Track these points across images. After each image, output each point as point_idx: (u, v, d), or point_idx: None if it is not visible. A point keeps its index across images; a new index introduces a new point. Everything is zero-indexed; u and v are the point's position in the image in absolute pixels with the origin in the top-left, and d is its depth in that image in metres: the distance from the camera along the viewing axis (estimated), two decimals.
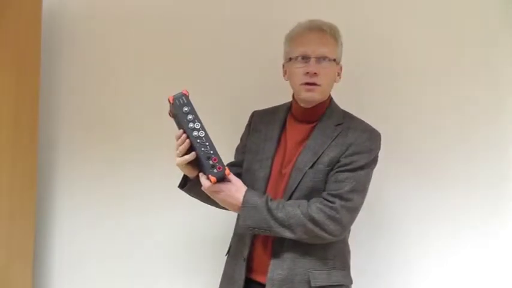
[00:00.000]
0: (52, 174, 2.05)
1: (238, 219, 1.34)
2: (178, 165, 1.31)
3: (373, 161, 1.36)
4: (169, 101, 1.24)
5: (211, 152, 1.24)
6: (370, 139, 1.35)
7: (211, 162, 1.24)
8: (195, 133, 1.23)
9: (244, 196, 1.29)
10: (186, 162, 1.28)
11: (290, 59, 1.37)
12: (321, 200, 1.29)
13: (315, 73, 1.32)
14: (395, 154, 1.69)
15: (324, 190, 1.32)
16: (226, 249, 1.52)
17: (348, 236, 1.43)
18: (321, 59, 1.32)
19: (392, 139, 1.58)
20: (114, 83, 2.00)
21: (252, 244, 1.38)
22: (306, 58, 1.33)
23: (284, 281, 1.31)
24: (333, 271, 1.35)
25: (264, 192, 1.37)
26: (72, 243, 2.02)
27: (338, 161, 1.31)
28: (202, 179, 1.27)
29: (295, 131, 1.40)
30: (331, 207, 1.27)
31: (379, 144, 1.38)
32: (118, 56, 1.99)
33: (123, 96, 1.99)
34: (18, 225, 1.84)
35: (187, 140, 1.24)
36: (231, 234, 1.52)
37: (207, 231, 1.87)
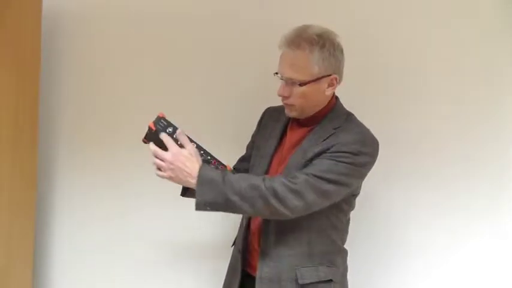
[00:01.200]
0: (52, 174, 2.05)
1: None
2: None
3: (361, 164, 1.28)
4: (150, 128, 1.26)
5: (209, 157, 1.28)
6: (361, 143, 1.28)
7: (212, 166, 1.28)
8: None
9: (200, 170, 1.22)
10: None
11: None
12: (284, 176, 1.25)
13: (285, 96, 1.31)
14: (394, 154, 1.69)
15: None
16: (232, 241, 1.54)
17: (344, 237, 1.43)
18: (289, 81, 1.29)
19: (391, 138, 1.59)
20: (114, 82, 2.00)
21: (246, 237, 1.41)
22: (281, 78, 1.31)
23: (272, 280, 1.32)
24: (320, 267, 1.33)
25: None
26: (72, 243, 2.02)
27: (319, 154, 1.27)
28: (151, 145, 1.25)
29: (294, 132, 1.40)
30: (294, 182, 1.22)
31: (374, 151, 1.31)
32: (118, 56, 1.99)
33: (123, 96, 1.99)
34: (18, 226, 1.84)
35: None
36: (237, 228, 1.53)
37: (210, 227, 1.87)
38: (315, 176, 1.23)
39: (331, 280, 1.34)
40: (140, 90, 1.96)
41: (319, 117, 1.36)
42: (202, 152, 1.27)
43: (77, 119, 2.03)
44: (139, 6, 1.96)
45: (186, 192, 1.41)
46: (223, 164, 1.28)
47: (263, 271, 1.33)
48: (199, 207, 1.23)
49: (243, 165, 1.52)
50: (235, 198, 1.21)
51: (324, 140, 1.30)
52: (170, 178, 1.25)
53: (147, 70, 1.96)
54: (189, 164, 1.23)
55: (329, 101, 1.37)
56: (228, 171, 1.27)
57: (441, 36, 1.73)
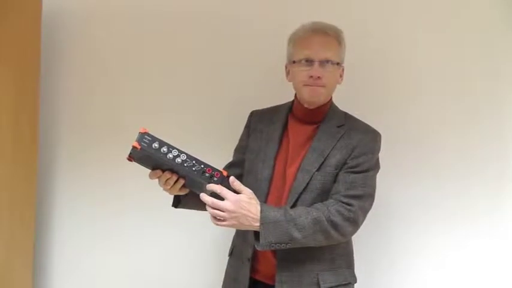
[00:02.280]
0: (52, 174, 2.05)
1: (255, 235, 1.27)
2: (171, 193, 1.30)
3: (377, 164, 1.38)
4: (135, 148, 1.17)
5: (202, 166, 1.21)
6: (373, 140, 1.37)
7: (207, 174, 1.22)
8: (178, 160, 1.20)
9: (262, 212, 1.23)
10: (178, 189, 1.27)
11: (294, 61, 1.36)
12: (336, 202, 1.28)
13: (319, 77, 1.32)
14: (395, 151, 1.69)
15: (332, 192, 1.32)
16: (227, 249, 1.51)
17: None
18: (324, 62, 1.32)
19: (391, 138, 1.59)
20: (114, 82, 2.00)
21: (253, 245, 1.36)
22: (309, 61, 1.32)
23: (292, 284, 1.31)
24: (339, 270, 1.36)
25: (267, 192, 1.36)
26: (72, 243, 2.02)
27: (345, 163, 1.32)
28: (205, 197, 1.21)
29: (297, 132, 1.40)
30: (349, 210, 1.27)
31: (380, 145, 1.39)
32: (118, 56, 1.99)
33: (122, 96, 1.99)
34: (18, 225, 1.84)
35: (174, 173, 1.23)
36: (232, 234, 1.52)
37: (208, 230, 1.87)
38: (362, 195, 1.30)
39: (350, 283, 1.38)
40: (140, 90, 1.96)
41: (321, 115, 1.39)
42: (194, 161, 1.21)
43: (77, 119, 2.03)
44: (139, 6, 1.96)
45: (179, 204, 1.38)
46: (218, 171, 1.23)
47: (283, 275, 1.32)
48: (263, 247, 1.23)
49: (233, 171, 1.45)
50: (298, 236, 1.23)
51: (338, 142, 1.34)
52: (232, 225, 1.24)
53: (147, 70, 1.96)
54: (252, 208, 1.22)
55: (329, 99, 1.41)
56: (287, 207, 1.28)
57: (441, 35, 1.73)
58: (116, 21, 1.99)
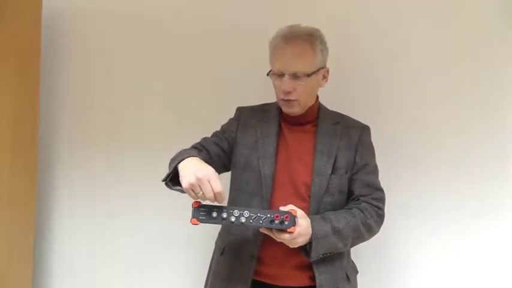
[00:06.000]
0: (52, 174, 2.05)
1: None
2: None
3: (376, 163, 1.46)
4: (195, 224, 1.18)
5: (268, 214, 1.20)
6: (368, 134, 1.44)
7: (277, 221, 1.20)
8: (242, 219, 1.19)
9: (313, 228, 1.26)
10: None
11: (270, 71, 1.37)
12: (369, 205, 1.36)
13: (289, 91, 1.32)
14: (395, 151, 1.70)
15: (347, 191, 1.38)
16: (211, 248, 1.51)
17: None
18: (295, 75, 1.31)
19: (390, 137, 1.59)
20: (114, 82, 2.00)
21: (258, 246, 1.35)
22: (281, 75, 1.32)
23: (331, 285, 1.34)
24: (350, 261, 1.45)
25: (272, 189, 1.36)
26: (72, 243, 2.03)
27: (354, 162, 1.38)
28: (281, 235, 1.22)
29: (293, 131, 1.41)
30: (379, 213, 1.37)
31: None
32: (118, 56, 1.99)
33: (123, 96, 1.99)
34: (18, 225, 1.84)
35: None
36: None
37: (205, 230, 1.87)
38: (383, 196, 1.40)
39: (357, 271, 1.47)
40: (140, 90, 1.96)
41: (309, 116, 1.40)
42: (258, 214, 1.19)
43: (77, 119, 2.03)
44: (139, 6, 1.96)
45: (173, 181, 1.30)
46: (286, 213, 1.20)
47: (321, 277, 1.33)
48: (313, 259, 1.30)
49: (215, 149, 1.43)
50: (341, 245, 1.32)
51: (340, 141, 1.39)
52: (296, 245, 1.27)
53: (147, 70, 1.96)
54: (308, 229, 1.25)
55: (314, 102, 1.42)
56: (330, 216, 1.31)
57: (440, 35, 1.72)
58: (116, 21, 1.99)
